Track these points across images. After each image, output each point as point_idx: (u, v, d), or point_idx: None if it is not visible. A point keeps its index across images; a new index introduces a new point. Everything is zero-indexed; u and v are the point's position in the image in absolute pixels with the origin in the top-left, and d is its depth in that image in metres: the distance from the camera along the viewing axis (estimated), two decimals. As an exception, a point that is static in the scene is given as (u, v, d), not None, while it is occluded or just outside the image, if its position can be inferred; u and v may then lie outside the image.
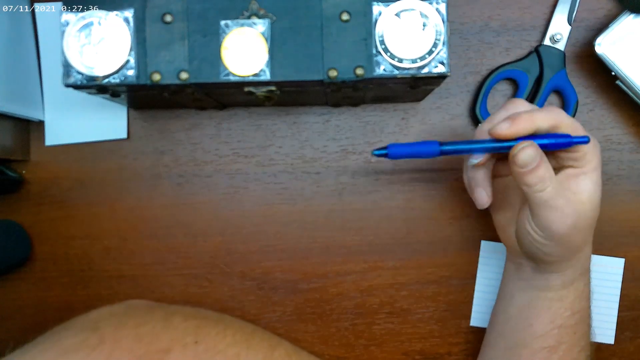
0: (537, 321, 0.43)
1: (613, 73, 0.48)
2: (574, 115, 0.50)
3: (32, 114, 0.51)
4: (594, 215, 0.40)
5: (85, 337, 0.37)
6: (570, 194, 0.38)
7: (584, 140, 0.38)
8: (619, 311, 0.51)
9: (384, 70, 0.40)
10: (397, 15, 0.40)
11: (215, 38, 0.40)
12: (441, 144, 0.40)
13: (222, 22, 0.40)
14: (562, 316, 0.42)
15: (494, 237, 0.51)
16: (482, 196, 0.41)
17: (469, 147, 0.40)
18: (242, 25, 0.40)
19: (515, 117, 0.38)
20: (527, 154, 0.37)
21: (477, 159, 0.40)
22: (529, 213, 0.39)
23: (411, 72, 0.40)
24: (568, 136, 0.38)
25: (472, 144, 0.40)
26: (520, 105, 0.40)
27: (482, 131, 0.40)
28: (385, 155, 0.41)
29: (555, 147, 0.38)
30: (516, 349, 0.44)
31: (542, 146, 0.38)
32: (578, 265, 0.42)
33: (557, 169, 0.40)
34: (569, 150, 0.39)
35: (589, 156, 0.39)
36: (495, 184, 0.44)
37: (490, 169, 0.42)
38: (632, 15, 0.47)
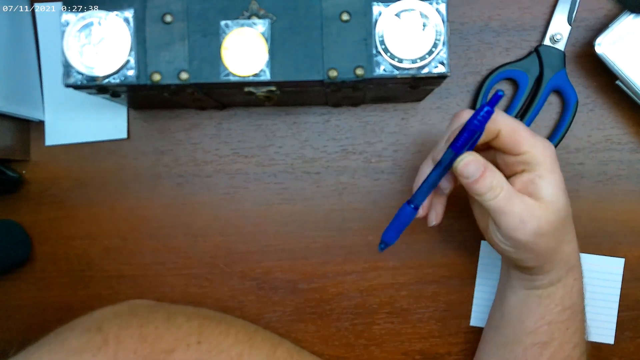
0: (528, 318, 0.43)
1: (613, 73, 0.48)
2: (573, 115, 0.50)
3: (32, 114, 0.51)
4: (561, 217, 0.39)
5: (90, 338, 0.37)
6: (528, 200, 0.38)
7: (486, 110, 0.35)
8: (619, 311, 0.51)
9: (384, 70, 0.40)
10: (397, 15, 0.40)
11: (215, 38, 0.40)
12: (409, 202, 0.40)
13: (222, 22, 0.40)
14: (552, 312, 0.42)
15: (494, 237, 0.51)
16: (432, 217, 0.42)
17: (430, 183, 0.39)
18: (242, 25, 0.40)
19: (451, 136, 0.38)
20: (467, 165, 0.37)
21: (447, 189, 0.40)
22: (493, 225, 0.39)
23: (411, 72, 0.40)
24: (470, 119, 0.36)
25: (429, 179, 0.39)
26: (465, 114, 0.39)
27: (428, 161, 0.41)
28: (386, 245, 0.42)
29: (473, 132, 0.36)
30: (509, 346, 0.44)
31: (471, 142, 0.37)
32: (562, 264, 0.41)
33: (510, 176, 0.39)
34: (513, 153, 0.38)
35: (540, 158, 0.38)
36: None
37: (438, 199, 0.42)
38: (632, 15, 0.47)
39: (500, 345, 0.45)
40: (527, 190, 0.38)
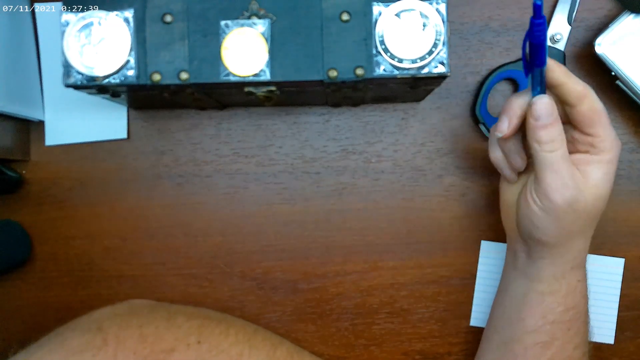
0: (529, 315, 0.43)
1: (613, 73, 0.48)
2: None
3: (32, 114, 0.51)
4: (596, 206, 0.40)
5: (90, 338, 0.37)
6: (577, 171, 0.39)
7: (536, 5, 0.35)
8: (619, 311, 0.51)
9: (384, 70, 0.40)
10: (397, 15, 0.40)
11: (215, 38, 0.40)
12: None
13: (222, 22, 0.40)
14: (554, 311, 0.42)
15: (494, 237, 0.51)
16: (517, 161, 0.42)
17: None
18: (242, 25, 0.40)
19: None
20: (545, 104, 0.37)
21: (501, 132, 0.40)
22: (533, 183, 0.40)
23: (411, 72, 0.40)
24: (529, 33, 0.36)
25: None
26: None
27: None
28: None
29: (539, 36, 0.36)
30: (510, 344, 0.44)
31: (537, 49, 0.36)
32: (569, 257, 0.42)
33: (571, 153, 0.40)
34: (586, 132, 0.39)
35: (607, 145, 0.39)
36: None
37: (519, 140, 0.42)
38: (632, 15, 0.47)
39: (502, 343, 0.45)
40: (578, 165, 0.39)
